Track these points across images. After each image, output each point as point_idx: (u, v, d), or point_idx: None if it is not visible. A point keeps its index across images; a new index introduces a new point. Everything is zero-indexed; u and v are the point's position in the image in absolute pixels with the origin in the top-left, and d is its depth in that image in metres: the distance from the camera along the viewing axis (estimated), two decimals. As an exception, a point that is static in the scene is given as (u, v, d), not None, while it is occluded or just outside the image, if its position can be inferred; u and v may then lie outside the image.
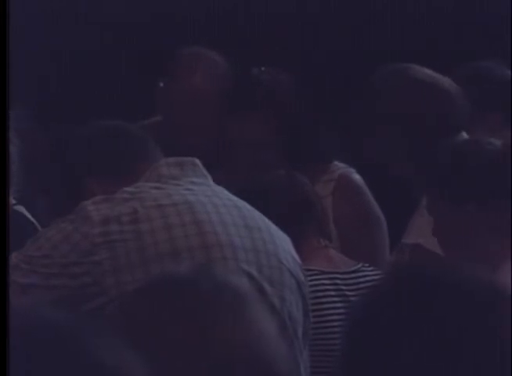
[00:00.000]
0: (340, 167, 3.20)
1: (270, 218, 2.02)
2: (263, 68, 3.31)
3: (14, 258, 1.84)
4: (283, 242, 2.00)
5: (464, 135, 2.89)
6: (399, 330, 0.98)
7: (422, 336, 0.96)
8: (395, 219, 3.09)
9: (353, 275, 2.76)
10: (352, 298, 2.65)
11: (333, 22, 4.51)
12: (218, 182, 2.09)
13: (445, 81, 3.10)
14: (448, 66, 4.42)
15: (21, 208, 2.64)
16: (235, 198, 2.04)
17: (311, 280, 2.29)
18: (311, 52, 4.34)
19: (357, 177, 3.19)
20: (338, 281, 2.73)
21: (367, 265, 2.81)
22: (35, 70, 4.13)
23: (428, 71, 3.13)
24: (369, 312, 1.03)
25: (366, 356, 0.99)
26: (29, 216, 2.63)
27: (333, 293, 2.71)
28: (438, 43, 4.42)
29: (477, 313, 0.98)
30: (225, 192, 2.04)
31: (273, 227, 2.02)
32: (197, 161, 2.05)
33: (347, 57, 4.08)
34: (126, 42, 4.38)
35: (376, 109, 3.05)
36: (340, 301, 2.68)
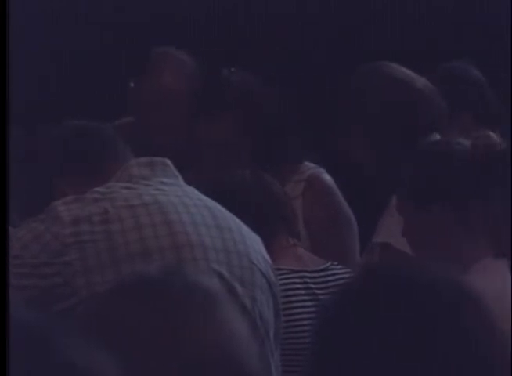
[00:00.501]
0: (310, 167, 3.21)
1: (239, 218, 2.02)
2: (232, 69, 3.31)
3: None
4: (253, 242, 2.00)
5: (437, 135, 2.89)
6: (368, 329, 0.98)
7: (391, 335, 0.97)
8: (366, 219, 3.10)
9: (322, 273, 2.77)
10: (321, 297, 2.65)
11: (333, 22, 4.51)
12: (188, 182, 2.09)
13: (421, 81, 3.10)
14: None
15: None
16: (205, 198, 2.03)
17: (281, 280, 2.30)
18: (311, 52, 4.34)
19: (327, 177, 3.20)
20: (307, 280, 2.74)
21: (336, 263, 2.83)
22: (35, 70, 4.13)
23: (405, 70, 3.13)
24: (339, 311, 1.03)
25: (336, 354, 0.99)
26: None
27: (302, 292, 2.72)
28: (438, 43, 4.42)
29: (443, 313, 0.98)
30: (196, 192, 2.04)
31: (244, 227, 2.01)
32: (168, 161, 2.05)
33: (348, 57, 4.08)
34: (126, 42, 4.38)
35: (352, 108, 3.06)
36: (310, 300, 2.69)
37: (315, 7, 4.50)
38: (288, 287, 2.63)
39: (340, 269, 2.80)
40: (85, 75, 4.30)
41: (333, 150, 3.20)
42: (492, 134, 2.55)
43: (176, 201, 1.94)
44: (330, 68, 4.33)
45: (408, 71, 3.12)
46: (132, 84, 3.38)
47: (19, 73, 3.24)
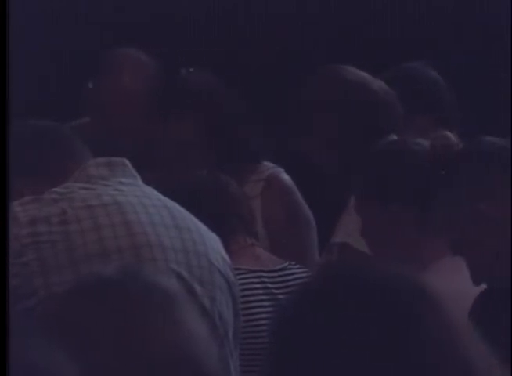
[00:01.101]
0: (269, 167, 3.22)
1: (198, 218, 2.01)
2: (191, 69, 3.30)
3: None
4: (212, 242, 1.99)
5: (394, 136, 2.91)
6: (327, 329, 0.98)
7: (348, 335, 0.97)
8: (326, 219, 3.10)
9: (280, 273, 2.78)
10: (280, 297, 2.66)
11: (333, 22, 4.51)
12: (147, 182, 2.09)
13: (377, 83, 3.13)
14: (448, 66, 4.42)
15: None
16: (164, 198, 2.02)
17: (239, 279, 2.30)
18: (311, 52, 4.35)
19: (286, 177, 3.22)
20: (265, 279, 2.75)
21: (294, 263, 2.83)
22: (35, 70, 4.13)
23: (361, 73, 3.16)
24: (297, 311, 1.03)
25: (295, 354, 0.99)
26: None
27: (260, 291, 2.72)
28: (438, 43, 4.42)
29: (400, 313, 0.98)
30: (155, 192, 2.03)
31: (203, 227, 2.01)
32: (126, 162, 2.04)
33: (348, 57, 4.08)
34: (126, 42, 4.38)
35: (310, 109, 3.08)
36: (268, 300, 2.69)
37: (315, 7, 4.50)
38: (246, 286, 2.63)
39: (298, 268, 2.81)
40: (85, 75, 4.30)
41: (293, 150, 3.21)
42: (450, 134, 2.56)
43: (135, 201, 1.93)
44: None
45: (364, 74, 3.15)
46: (90, 85, 3.37)
47: (19, 73, 3.24)
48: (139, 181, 2.03)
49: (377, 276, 1.02)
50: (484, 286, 2.14)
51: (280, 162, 3.26)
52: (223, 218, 2.69)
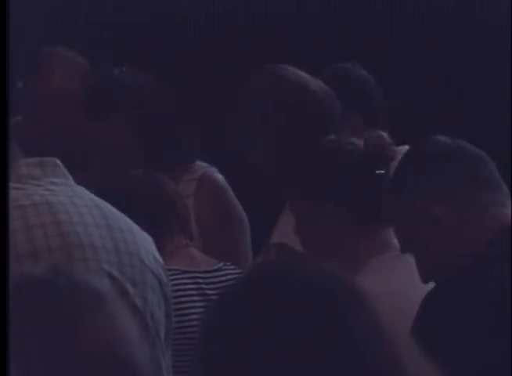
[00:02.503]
0: (202, 166, 3.21)
1: (131, 218, 2.00)
2: (124, 68, 3.30)
3: None
4: (145, 242, 1.98)
5: (331, 136, 2.92)
6: (253, 330, 0.98)
7: (276, 336, 0.97)
8: (264, 220, 3.10)
9: (215, 273, 2.78)
10: (213, 297, 2.64)
11: (333, 22, 4.51)
12: (79, 182, 2.07)
13: (316, 83, 3.14)
14: (448, 66, 4.42)
15: None
16: (96, 198, 2.01)
17: (172, 280, 2.29)
18: (311, 52, 4.35)
19: (219, 177, 3.21)
20: (199, 280, 2.74)
21: (229, 264, 2.83)
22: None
23: (299, 72, 3.17)
24: (224, 312, 1.03)
25: (221, 354, 0.99)
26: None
27: (194, 292, 2.71)
28: (438, 43, 4.42)
29: (327, 313, 0.98)
30: (86, 192, 2.01)
31: (135, 227, 1.99)
32: (58, 162, 2.01)
33: (347, 57, 4.08)
34: (126, 42, 4.38)
35: (248, 109, 3.09)
36: (201, 301, 2.68)
37: (315, 7, 4.50)
38: (179, 287, 2.62)
39: (233, 269, 2.81)
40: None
41: (230, 150, 3.22)
42: (383, 134, 2.57)
43: (66, 201, 1.91)
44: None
45: (303, 74, 3.16)
46: (21, 84, 3.36)
47: (19, 73, 3.24)
48: (71, 181, 2.01)
49: (306, 276, 1.02)
50: (421, 285, 2.15)
51: (215, 162, 3.26)
52: (158, 219, 2.69)
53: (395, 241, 2.33)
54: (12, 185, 1.90)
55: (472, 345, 1.92)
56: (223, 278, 2.74)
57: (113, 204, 2.01)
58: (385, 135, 2.55)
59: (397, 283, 2.31)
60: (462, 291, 2.02)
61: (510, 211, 2.13)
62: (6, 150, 1.98)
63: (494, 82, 4.36)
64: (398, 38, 4.42)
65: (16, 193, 1.89)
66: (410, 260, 2.26)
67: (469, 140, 2.26)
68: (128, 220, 2.00)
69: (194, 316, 2.62)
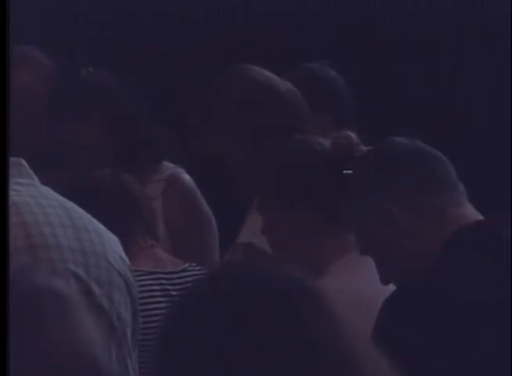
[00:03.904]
0: (169, 167, 3.22)
1: (97, 218, 1.99)
2: (90, 69, 3.29)
3: None
4: (111, 242, 1.97)
5: (299, 136, 2.93)
6: (212, 330, 0.98)
7: (235, 336, 0.97)
8: (232, 220, 3.10)
9: (181, 274, 2.78)
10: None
11: (333, 22, 4.51)
12: (45, 182, 2.06)
13: (283, 83, 3.15)
14: (448, 66, 4.42)
15: None
16: (62, 199, 1.99)
17: (138, 281, 2.30)
18: (311, 52, 4.35)
19: (186, 177, 3.21)
20: (164, 281, 2.75)
21: (194, 264, 2.83)
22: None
23: (267, 73, 3.17)
24: (184, 312, 1.03)
25: (178, 353, 0.98)
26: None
27: (158, 293, 2.72)
28: (438, 43, 4.42)
29: (283, 313, 0.98)
30: (52, 192, 2.00)
31: (101, 228, 1.98)
32: (23, 162, 2.00)
33: (347, 57, 4.08)
34: (126, 42, 4.38)
35: (216, 108, 3.10)
36: (166, 302, 2.68)
37: (315, 7, 4.50)
38: (144, 288, 2.62)
39: (198, 270, 2.81)
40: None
41: (197, 150, 3.22)
42: (351, 134, 2.58)
43: (31, 202, 1.89)
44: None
45: (271, 74, 3.18)
46: None
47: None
48: (36, 181, 2.00)
49: (266, 277, 1.02)
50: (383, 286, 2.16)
51: (183, 162, 3.26)
52: (124, 219, 2.69)
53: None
54: None
55: (433, 347, 1.93)
56: (189, 279, 2.75)
57: (79, 204, 2.01)
58: (353, 135, 2.56)
59: (363, 284, 2.32)
60: (422, 292, 2.03)
61: (467, 211, 2.14)
62: (6, 149, 1.98)
63: (494, 81, 4.36)
64: (397, 38, 4.42)
65: None
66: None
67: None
68: (94, 220, 1.99)
69: (158, 317, 2.61)
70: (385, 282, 2.14)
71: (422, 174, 2.14)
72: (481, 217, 2.18)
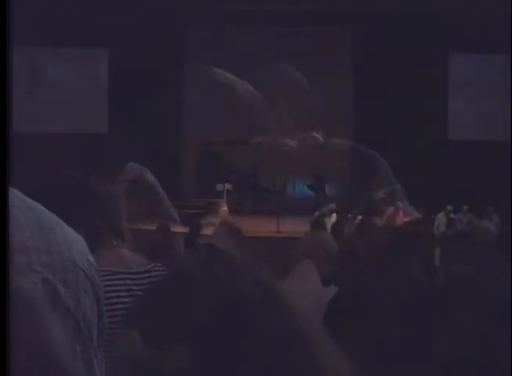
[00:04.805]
0: (134, 167, 3.27)
1: (63, 218, 2.00)
2: None
3: None
4: (76, 243, 1.98)
5: (264, 137, 2.99)
6: (174, 329, 0.98)
7: (196, 336, 0.97)
8: (197, 219, 3.14)
9: (146, 274, 2.81)
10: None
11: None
12: (12, 183, 2.07)
13: (242, 85, 3.21)
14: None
15: None
16: (29, 200, 2.01)
17: (103, 281, 2.32)
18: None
19: (151, 177, 3.27)
20: (129, 281, 2.77)
21: (160, 265, 2.86)
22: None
23: (227, 74, 3.25)
24: (145, 311, 1.04)
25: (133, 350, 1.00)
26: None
27: (124, 293, 2.74)
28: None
29: (245, 314, 0.99)
30: (17, 192, 2.02)
31: (67, 228, 2.00)
32: None
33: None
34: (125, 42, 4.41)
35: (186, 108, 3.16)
36: (131, 302, 2.69)
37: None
38: (109, 288, 2.65)
39: (163, 270, 2.83)
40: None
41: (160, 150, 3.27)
42: (317, 135, 2.62)
43: None
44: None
45: (232, 76, 3.24)
46: None
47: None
48: None
49: (227, 277, 1.02)
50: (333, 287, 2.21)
51: (147, 163, 3.33)
52: (90, 220, 2.71)
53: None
54: None
55: (373, 347, 1.98)
56: (154, 279, 2.76)
57: (45, 204, 2.01)
58: (318, 135, 2.59)
59: (317, 285, 2.36)
60: (361, 294, 2.08)
61: (403, 210, 2.23)
62: (6, 149, 1.99)
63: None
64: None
65: None
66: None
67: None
68: (60, 221, 2.01)
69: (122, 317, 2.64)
70: (325, 284, 2.22)
71: (360, 174, 2.25)
72: (417, 215, 2.31)
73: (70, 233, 1.98)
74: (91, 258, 2.01)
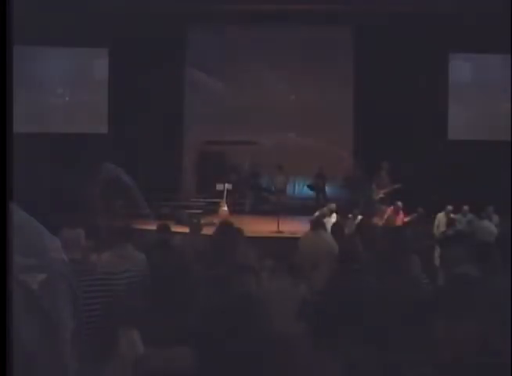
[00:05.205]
0: (110, 168, 3.29)
1: (39, 220, 2.00)
2: None
3: None
4: (54, 245, 1.99)
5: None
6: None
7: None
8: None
9: (122, 275, 2.83)
10: (120, 298, 2.71)
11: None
12: None
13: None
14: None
15: None
16: (8, 202, 2.02)
17: (79, 282, 2.32)
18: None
19: (125, 177, 3.29)
20: (106, 282, 2.81)
21: (136, 266, 2.89)
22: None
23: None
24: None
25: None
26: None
27: (100, 294, 2.76)
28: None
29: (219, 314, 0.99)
30: None
31: (44, 230, 2.01)
32: None
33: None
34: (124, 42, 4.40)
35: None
36: (107, 303, 2.71)
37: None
38: (86, 289, 2.66)
39: (140, 271, 2.86)
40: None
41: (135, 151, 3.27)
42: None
43: None
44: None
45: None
46: None
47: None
48: None
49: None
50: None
51: (123, 163, 3.33)
52: (72, 221, 2.73)
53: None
54: None
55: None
56: (130, 280, 2.78)
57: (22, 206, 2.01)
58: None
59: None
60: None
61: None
62: (6, 149, 1.99)
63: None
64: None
65: None
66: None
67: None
68: (37, 222, 2.02)
69: (100, 317, 2.63)
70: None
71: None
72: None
73: (47, 235, 1.99)
74: (68, 260, 2.02)
